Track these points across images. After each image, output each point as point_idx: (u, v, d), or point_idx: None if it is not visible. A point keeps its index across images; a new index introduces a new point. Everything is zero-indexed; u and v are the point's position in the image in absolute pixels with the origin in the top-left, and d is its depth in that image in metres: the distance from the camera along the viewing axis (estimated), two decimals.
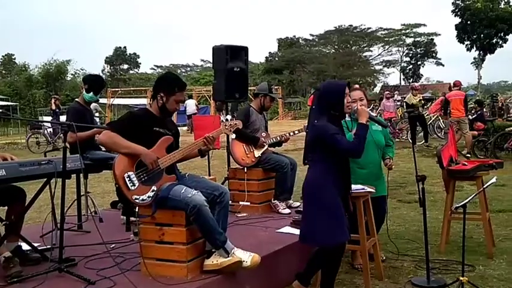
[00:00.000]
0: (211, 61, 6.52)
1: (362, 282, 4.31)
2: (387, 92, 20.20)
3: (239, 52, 6.37)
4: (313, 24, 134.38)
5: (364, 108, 3.91)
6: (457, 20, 36.17)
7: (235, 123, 4.18)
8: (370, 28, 56.15)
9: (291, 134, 6.08)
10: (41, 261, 4.01)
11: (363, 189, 4.36)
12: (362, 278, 4.34)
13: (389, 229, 5.21)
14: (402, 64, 59.44)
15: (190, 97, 27.19)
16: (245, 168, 5.82)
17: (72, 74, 50.60)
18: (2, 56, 62.81)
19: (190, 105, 24.42)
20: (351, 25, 56.56)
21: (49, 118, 20.60)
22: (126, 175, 3.69)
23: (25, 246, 4.12)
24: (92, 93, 5.49)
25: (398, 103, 20.79)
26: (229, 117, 4.25)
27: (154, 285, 3.50)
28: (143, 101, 33.06)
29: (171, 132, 4.02)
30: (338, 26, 56.46)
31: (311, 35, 58.97)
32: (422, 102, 15.78)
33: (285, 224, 5.12)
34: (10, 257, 3.73)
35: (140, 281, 3.55)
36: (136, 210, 3.84)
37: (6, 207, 4.06)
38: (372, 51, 58.51)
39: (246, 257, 3.71)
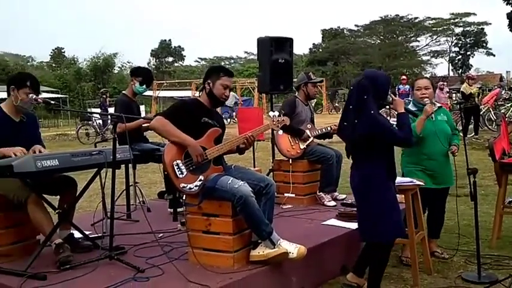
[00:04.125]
0: (255, 53, 6.53)
1: (410, 277, 4.23)
2: (441, 83, 19.74)
3: (284, 44, 6.33)
4: (359, 15, 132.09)
5: (400, 99, 3.89)
6: (509, 8, 34.83)
7: (283, 120, 4.20)
8: (417, 18, 54.75)
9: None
10: (92, 248, 4.12)
11: (411, 182, 4.28)
12: (410, 272, 4.27)
13: None
14: (451, 54, 57.82)
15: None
16: (290, 160, 5.80)
17: (119, 67, 51.66)
18: (52, 49, 64.74)
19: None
20: (397, 15, 55.35)
21: (98, 110, 21.31)
22: (175, 163, 3.75)
23: (77, 234, 4.25)
24: (144, 85, 5.63)
25: (447, 94, 20.24)
26: (276, 113, 4.25)
27: (201, 274, 3.55)
28: (188, 93, 33.46)
29: (219, 124, 4.06)
30: (384, 16, 55.37)
31: (356, 25, 58.04)
32: (480, 91, 15.25)
33: (330, 217, 5.08)
34: (61, 243, 3.85)
35: (188, 270, 3.60)
36: (184, 198, 3.90)
37: (58, 196, 4.21)
38: (419, 41, 57.09)
39: (292, 249, 3.70)
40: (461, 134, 4.89)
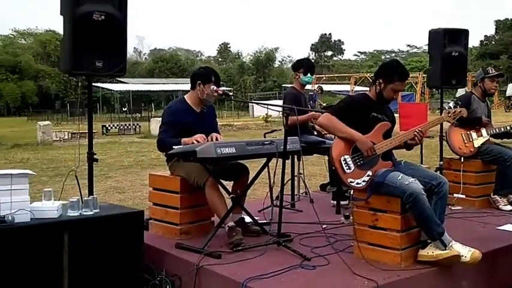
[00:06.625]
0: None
1: None
2: None
3: (458, 36, 6.00)
4: None
5: None
6: None
7: (459, 111, 3.99)
8: None
9: None
10: (260, 233, 4.33)
11: None
12: None
13: None
14: None
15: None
16: (462, 158, 5.49)
17: (279, 61, 53.43)
18: (219, 44, 68.95)
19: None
20: None
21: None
22: (342, 158, 3.77)
23: (247, 219, 4.49)
24: (309, 74, 5.74)
25: None
26: (452, 104, 4.05)
27: (367, 268, 3.53)
28: (346, 87, 33.34)
29: (388, 118, 3.99)
30: None
31: None
32: None
33: (506, 222, 4.71)
34: (233, 226, 4.10)
35: (353, 263, 3.61)
36: (351, 193, 3.91)
37: (232, 182, 4.49)
38: None
39: (465, 252, 3.52)
40: None
